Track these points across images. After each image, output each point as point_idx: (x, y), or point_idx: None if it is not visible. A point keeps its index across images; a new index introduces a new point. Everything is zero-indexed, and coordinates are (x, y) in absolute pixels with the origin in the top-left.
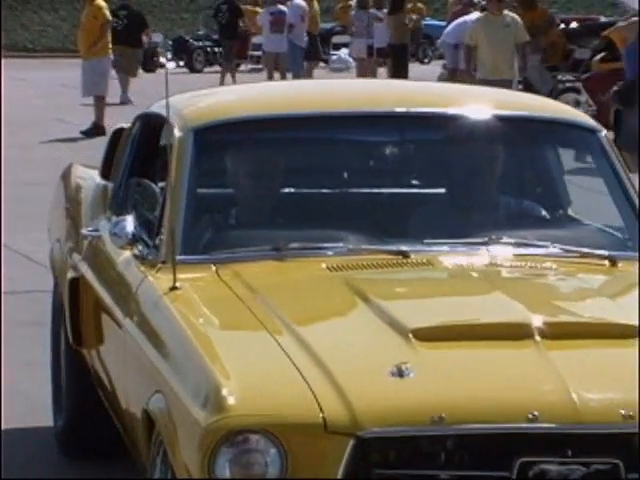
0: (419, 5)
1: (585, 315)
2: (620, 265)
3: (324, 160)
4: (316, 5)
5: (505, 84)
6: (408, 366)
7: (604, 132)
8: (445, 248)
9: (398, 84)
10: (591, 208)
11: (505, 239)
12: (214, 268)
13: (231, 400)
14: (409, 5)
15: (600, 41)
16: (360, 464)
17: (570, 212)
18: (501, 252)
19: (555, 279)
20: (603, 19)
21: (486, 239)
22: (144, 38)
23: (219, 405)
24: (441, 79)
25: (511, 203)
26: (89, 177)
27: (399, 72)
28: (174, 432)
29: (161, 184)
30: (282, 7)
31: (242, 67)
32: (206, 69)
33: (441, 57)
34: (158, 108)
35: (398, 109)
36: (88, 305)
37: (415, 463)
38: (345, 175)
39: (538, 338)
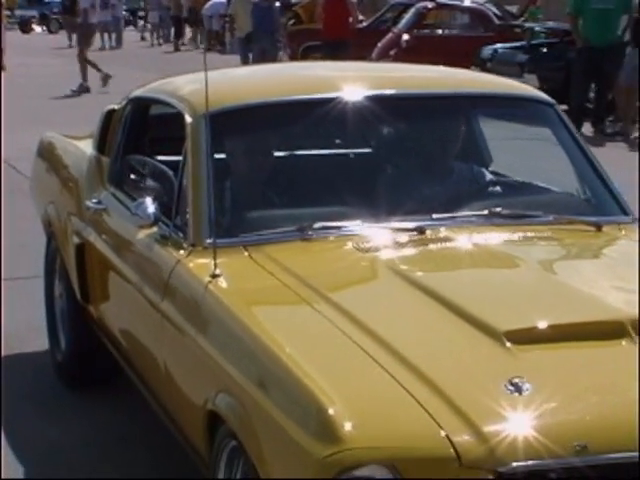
0: None
1: None
2: (605, 229)
3: (333, 141)
4: None
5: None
6: (524, 380)
7: (557, 105)
8: (454, 222)
9: (393, 67)
10: (556, 177)
11: (503, 211)
12: (245, 252)
13: (348, 429)
14: None
15: (291, 13)
16: None
17: (540, 181)
18: (505, 223)
19: (590, 255)
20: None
21: (486, 211)
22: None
23: (335, 435)
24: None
25: (493, 176)
26: (75, 147)
27: (177, 33)
28: (264, 449)
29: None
30: None
31: None
32: (60, 32)
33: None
34: (148, 92)
35: (410, 91)
36: (98, 271)
37: None
38: (353, 155)
39: (635, 336)
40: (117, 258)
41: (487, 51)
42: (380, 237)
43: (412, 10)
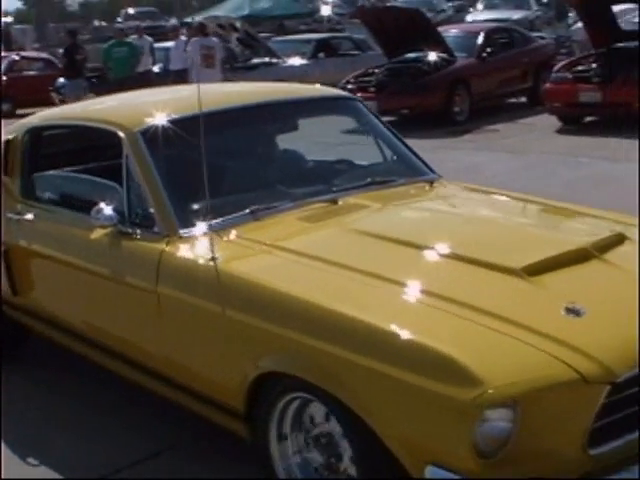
0: None
1: (580, 232)
2: (434, 184)
3: (248, 143)
4: None
5: None
6: (575, 304)
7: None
8: (350, 192)
9: (257, 84)
10: (373, 154)
11: (375, 179)
12: (217, 236)
13: (482, 371)
14: None
15: None
16: (609, 405)
17: (374, 157)
18: (379, 188)
19: (465, 203)
20: None
21: (369, 180)
22: None
23: (473, 378)
24: None
25: (354, 159)
26: None
27: None
28: (368, 399)
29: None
30: None
31: None
32: None
33: None
34: (46, 120)
35: (279, 98)
36: (35, 268)
37: (629, 387)
38: (263, 152)
39: (600, 255)
40: (66, 255)
41: (58, 83)
42: (310, 209)
43: (5, 61)
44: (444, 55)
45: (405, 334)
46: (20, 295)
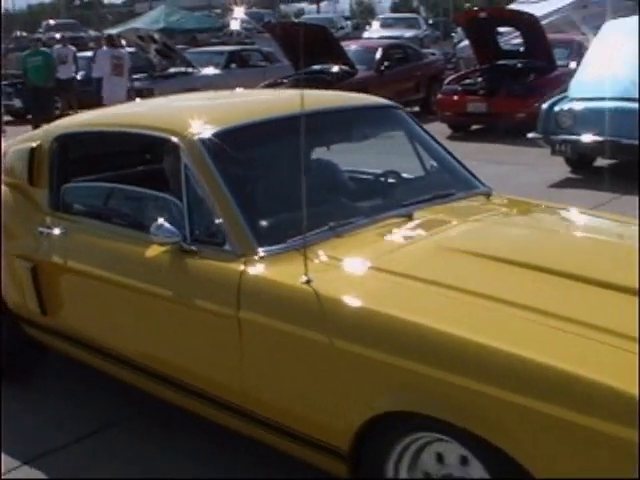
0: None
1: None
2: (492, 198)
3: (305, 153)
4: None
5: None
6: None
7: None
8: (417, 206)
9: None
10: (419, 164)
11: (438, 193)
12: (300, 254)
13: None
14: None
15: None
16: None
17: (426, 169)
18: (443, 202)
19: (543, 216)
20: None
21: (432, 195)
22: None
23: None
24: None
25: (401, 171)
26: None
27: None
28: (537, 443)
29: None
30: None
31: None
32: None
33: None
34: (70, 128)
35: (329, 106)
36: (71, 286)
37: None
38: (318, 161)
39: None
40: (113, 274)
41: None
42: (387, 225)
43: None
44: (346, 67)
45: (572, 370)
46: (50, 315)
